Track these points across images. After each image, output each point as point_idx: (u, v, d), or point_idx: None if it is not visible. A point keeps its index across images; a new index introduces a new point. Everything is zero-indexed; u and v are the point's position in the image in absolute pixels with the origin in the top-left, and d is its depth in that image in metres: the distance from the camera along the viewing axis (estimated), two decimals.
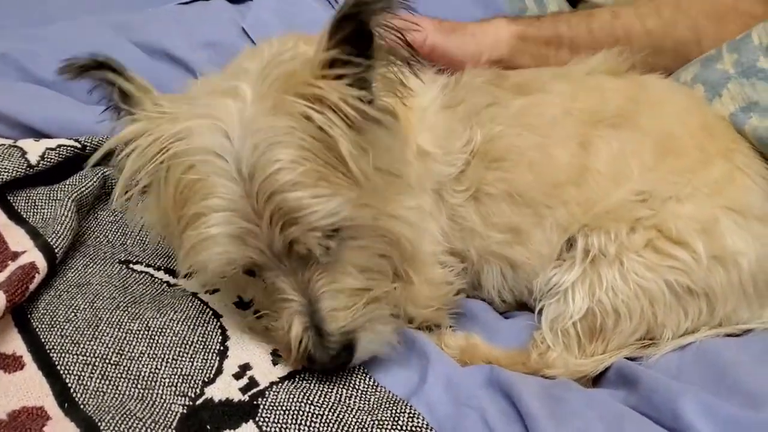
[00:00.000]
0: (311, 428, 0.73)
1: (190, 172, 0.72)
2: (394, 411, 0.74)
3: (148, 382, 0.78)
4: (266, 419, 0.74)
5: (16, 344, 0.82)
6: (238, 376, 0.79)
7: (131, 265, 0.97)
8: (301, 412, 0.74)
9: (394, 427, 0.73)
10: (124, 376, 0.79)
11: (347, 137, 0.72)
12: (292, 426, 0.73)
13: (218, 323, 0.85)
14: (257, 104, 0.73)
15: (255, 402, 0.76)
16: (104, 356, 0.81)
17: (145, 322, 0.84)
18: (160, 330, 0.84)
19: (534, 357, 0.90)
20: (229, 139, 0.71)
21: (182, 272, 0.79)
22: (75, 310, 0.86)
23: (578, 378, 0.89)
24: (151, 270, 0.97)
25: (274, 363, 0.81)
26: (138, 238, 1.03)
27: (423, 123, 0.92)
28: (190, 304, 0.88)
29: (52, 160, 1.07)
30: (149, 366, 0.80)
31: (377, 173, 0.76)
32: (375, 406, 0.76)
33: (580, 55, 1.07)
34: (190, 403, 0.76)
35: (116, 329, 0.83)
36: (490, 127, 0.93)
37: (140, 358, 0.81)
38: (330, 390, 0.77)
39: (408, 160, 0.86)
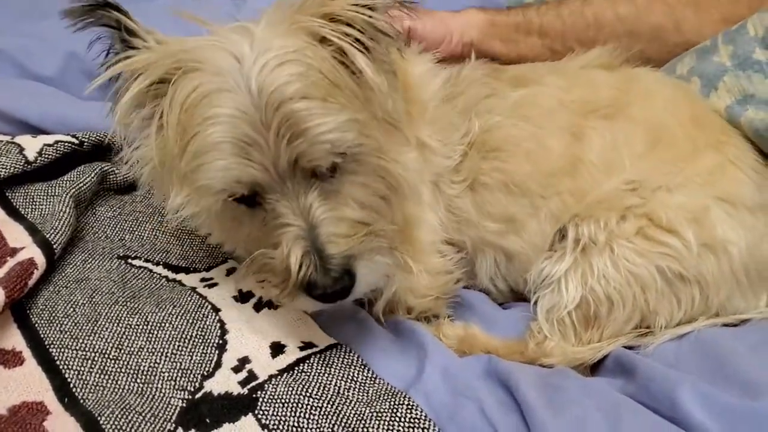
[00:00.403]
0: (310, 421, 0.74)
1: (197, 90, 0.71)
2: (392, 403, 0.75)
3: (148, 377, 0.79)
4: (265, 412, 0.74)
5: (15, 340, 0.83)
6: (237, 370, 0.79)
7: (130, 260, 0.97)
8: (300, 405, 0.75)
9: (392, 418, 0.74)
10: (123, 370, 0.79)
11: (362, 53, 0.73)
12: (291, 419, 0.74)
13: (217, 317, 0.85)
14: (269, 29, 0.74)
15: (254, 395, 0.76)
16: (103, 351, 0.81)
17: (144, 317, 0.85)
18: (159, 324, 0.84)
19: (531, 346, 0.91)
20: (238, 60, 0.71)
21: (180, 204, 0.76)
22: (74, 306, 0.86)
23: (576, 366, 0.90)
24: (149, 265, 0.97)
25: (273, 356, 0.81)
26: (137, 233, 1.03)
27: (424, 116, 0.92)
28: (189, 299, 0.88)
29: (50, 157, 1.07)
30: (148, 360, 0.80)
31: (383, 119, 0.77)
32: (373, 398, 0.76)
33: (550, 41, 1.08)
34: (190, 396, 0.77)
35: (115, 324, 0.84)
36: (487, 118, 0.93)
37: (139, 353, 0.81)
38: (329, 382, 0.78)
39: (406, 117, 0.85)
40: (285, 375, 0.79)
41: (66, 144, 1.09)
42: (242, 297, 0.90)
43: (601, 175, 0.92)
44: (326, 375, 0.79)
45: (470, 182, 0.94)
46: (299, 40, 0.72)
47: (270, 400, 0.75)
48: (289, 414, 0.74)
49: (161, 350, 0.81)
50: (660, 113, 0.94)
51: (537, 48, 1.09)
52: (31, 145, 1.08)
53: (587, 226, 0.89)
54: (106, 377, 0.79)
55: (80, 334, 0.83)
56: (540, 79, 0.96)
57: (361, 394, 0.77)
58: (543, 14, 1.11)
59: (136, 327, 0.84)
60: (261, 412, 0.74)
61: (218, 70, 0.71)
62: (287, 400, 0.75)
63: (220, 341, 0.83)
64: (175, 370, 0.79)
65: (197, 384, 0.78)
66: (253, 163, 0.71)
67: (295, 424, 0.73)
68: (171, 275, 0.95)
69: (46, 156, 1.07)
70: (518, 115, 0.94)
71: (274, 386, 0.77)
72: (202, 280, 0.94)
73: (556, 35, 1.08)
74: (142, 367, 0.80)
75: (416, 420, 0.74)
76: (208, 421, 0.73)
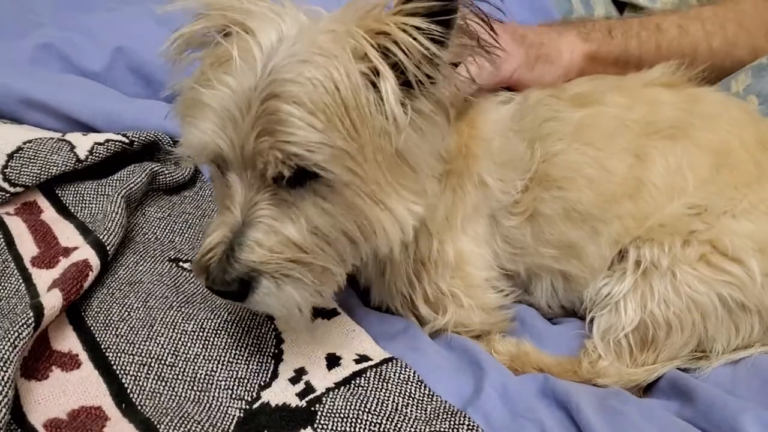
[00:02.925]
0: None
1: (225, 53, 0.72)
2: (452, 422, 0.74)
3: (205, 385, 0.79)
4: (324, 427, 0.74)
5: (71, 342, 0.83)
6: (294, 381, 0.79)
7: (181, 263, 0.97)
8: (358, 420, 0.74)
9: None
10: (180, 377, 0.79)
11: (394, 81, 0.70)
12: None
13: (272, 325, 0.85)
14: (323, 24, 0.73)
15: (312, 408, 0.76)
16: (160, 357, 0.81)
17: (200, 323, 0.85)
18: (214, 331, 0.84)
19: (585, 365, 0.90)
20: (280, 39, 0.71)
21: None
22: (129, 309, 0.86)
23: (630, 387, 0.89)
24: None
25: (329, 368, 0.81)
26: (186, 235, 1.03)
27: (486, 153, 0.90)
28: (243, 306, 0.88)
29: (101, 155, 1.07)
30: (205, 368, 0.80)
31: (395, 155, 0.73)
32: (432, 416, 0.76)
33: None
34: (247, 407, 0.77)
35: (171, 330, 0.84)
36: (549, 143, 0.92)
37: (196, 360, 0.81)
38: (386, 398, 0.77)
39: (435, 166, 0.82)
40: (342, 388, 0.78)
41: (117, 143, 1.09)
42: None
43: (663, 198, 0.90)
44: (384, 390, 0.78)
45: (530, 213, 0.92)
46: (337, 47, 0.70)
47: (329, 415, 0.75)
48: (348, 429, 0.74)
49: (217, 358, 0.81)
50: (724, 135, 0.92)
51: None
52: (82, 143, 1.08)
53: (650, 249, 0.88)
54: (163, 384, 0.79)
55: (136, 338, 0.83)
56: (602, 98, 0.95)
57: (419, 411, 0.76)
58: (643, 44, 1.09)
59: (192, 333, 0.83)
60: (320, 427, 0.74)
61: (250, 45, 0.71)
62: (346, 415, 0.75)
63: (276, 350, 0.83)
64: (232, 379, 0.79)
65: (254, 394, 0.78)
66: (225, 137, 0.71)
67: None
68: None
69: (97, 155, 1.07)
70: (580, 140, 0.92)
71: (332, 400, 0.77)
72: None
73: (651, 66, 1.06)
74: (198, 375, 0.80)
75: None
76: None
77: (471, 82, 0.75)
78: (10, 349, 0.73)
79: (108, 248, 0.92)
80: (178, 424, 0.73)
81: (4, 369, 0.71)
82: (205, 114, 0.71)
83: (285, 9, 0.76)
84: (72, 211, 1.05)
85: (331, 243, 0.75)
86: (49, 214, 1.05)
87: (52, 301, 0.80)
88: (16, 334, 0.75)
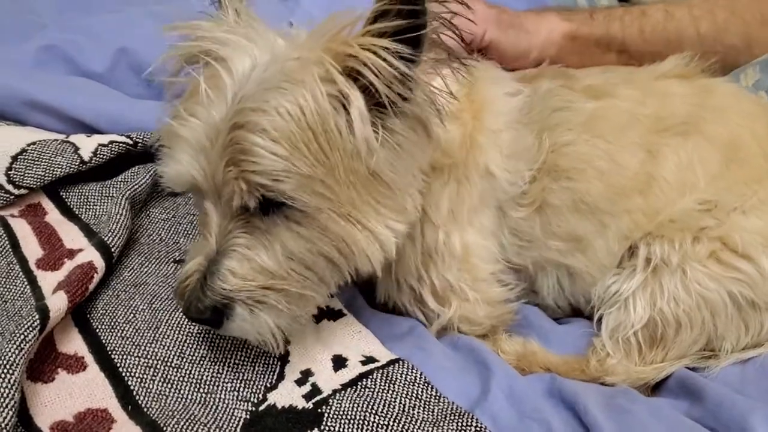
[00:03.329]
0: None
1: (200, 83, 0.72)
2: (459, 424, 0.74)
3: (210, 386, 0.79)
4: (331, 429, 0.73)
5: (77, 344, 0.83)
6: (300, 383, 0.79)
7: None
8: (365, 422, 0.74)
9: None
10: (186, 379, 0.79)
11: (362, 103, 0.69)
12: None
13: None
14: (292, 49, 0.73)
15: (319, 410, 0.75)
16: (165, 359, 0.81)
17: None
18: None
19: (593, 364, 0.90)
20: (253, 66, 0.72)
21: None
22: (134, 311, 0.86)
23: (638, 386, 0.88)
24: None
25: (335, 369, 0.81)
26: (191, 236, 1.02)
27: (494, 144, 0.89)
28: None
29: (105, 157, 1.07)
30: (211, 370, 0.80)
31: (369, 175, 0.72)
32: (440, 417, 0.75)
33: (627, 57, 1.06)
34: (253, 408, 0.76)
35: (176, 331, 0.83)
36: (559, 134, 0.91)
37: (201, 362, 0.81)
38: (393, 399, 0.77)
39: (415, 182, 0.79)
40: (349, 390, 0.78)
41: (120, 144, 1.09)
42: None
43: (674, 193, 0.90)
44: (390, 392, 0.78)
45: (538, 204, 0.91)
46: (305, 72, 0.70)
47: (336, 416, 0.75)
48: (355, 431, 0.73)
49: (223, 360, 0.81)
50: (736, 129, 0.92)
51: (611, 63, 1.07)
52: (86, 145, 1.08)
53: (660, 246, 0.88)
54: (169, 386, 0.78)
55: (142, 341, 0.82)
56: (614, 91, 0.94)
57: (426, 412, 0.76)
58: (626, 28, 1.08)
59: (198, 335, 0.83)
60: (327, 428, 0.73)
61: (220, 74, 0.72)
62: (353, 417, 0.74)
63: (282, 352, 0.82)
64: (238, 381, 0.79)
65: (260, 396, 0.78)
66: (198, 168, 0.72)
67: None
68: None
69: (101, 156, 1.07)
70: (591, 131, 0.91)
71: (339, 401, 0.76)
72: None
73: (635, 51, 1.05)
74: (204, 377, 0.79)
75: None
76: None
77: (449, 96, 0.74)
78: (16, 351, 0.73)
79: (113, 250, 0.92)
80: (185, 426, 0.73)
81: (11, 372, 0.71)
82: (179, 145, 0.73)
83: (260, 35, 0.76)
84: (76, 212, 1.05)
85: (310, 266, 0.75)
86: (53, 215, 1.05)
87: (58, 304, 0.80)
88: (22, 336, 0.75)
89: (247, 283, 0.73)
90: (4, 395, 0.69)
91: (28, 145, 1.05)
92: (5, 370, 0.71)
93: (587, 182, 0.91)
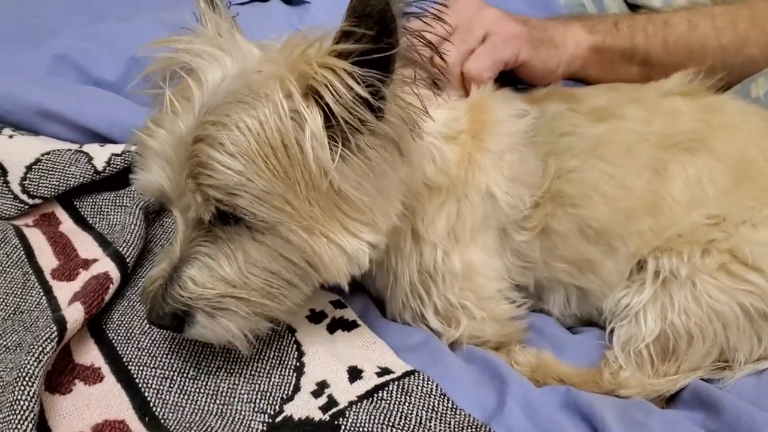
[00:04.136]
0: None
1: (172, 95, 0.75)
2: None
3: (227, 398, 0.79)
4: None
5: (93, 355, 0.83)
6: (316, 394, 0.79)
7: None
8: None
9: None
10: (202, 391, 0.79)
11: (318, 123, 0.69)
12: None
13: (293, 338, 0.85)
14: (266, 61, 0.74)
15: (336, 422, 0.75)
16: (182, 370, 0.81)
17: None
18: None
19: (606, 376, 0.90)
20: (222, 78, 0.74)
21: None
22: None
23: (653, 398, 0.88)
24: None
25: (351, 381, 0.81)
26: None
27: (496, 165, 0.89)
28: None
29: (118, 166, 1.08)
30: (227, 381, 0.80)
31: (332, 192, 0.72)
32: (456, 430, 0.75)
33: (649, 69, 1.06)
34: (270, 420, 0.77)
35: (192, 342, 0.84)
36: (565, 159, 0.91)
37: (217, 373, 0.81)
38: (410, 412, 0.77)
39: (390, 200, 0.79)
40: (365, 402, 0.78)
41: (134, 154, 1.09)
42: (315, 317, 0.90)
43: (682, 210, 0.90)
44: (407, 404, 0.78)
45: (541, 228, 0.92)
46: (269, 86, 0.70)
47: (352, 428, 0.75)
48: None
49: (239, 371, 0.81)
50: (744, 145, 0.92)
51: (633, 75, 1.07)
52: (100, 155, 1.08)
53: (668, 259, 0.88)
54: (186, 397, 0.79)
55: (158, 352, 0.83)
56: (620, 112, 0.94)
57: (443, 425, 0.76)
58: (650, 38, 1.08)
59: (213, 346, 0.83)
60: None
61: (190, 86, 0.74)
62: (370, 429, 0.74)
63: (298, 363, 0.82)
64: (254, 392, 0.79)
65: (277, 407, 0.78)
66: (165, 177, 0.74)
67: None
68: None
69: (115, 166, 1.08)
70: (597, 156, 0.91)
71: (356, 414, 0.76)
72: None
73: (657, 63, 1.05)
74: (221, 388, 0.80)
75: None
76: None
77: (424, 113, 0.75)
78: (35, 363, 0.74)
79: (128, 260, 0.92)
80: None
81: (30, 384, 0.71)
82: (148, 155, 0.75)
83: (237, 47, 0.78)
84: (90, 222, 1.05)
85: (276, 273, 0.76)
86: (67, 225, 1.05)
87: (75, 315, 0.81)
88: (40, 348, 0.75)
89: (206, 291, 0.75)
90: (24, 408, 0.70)
91: (42, 155, 1.06)
92: (25, 383, 0.71)
93: (594, 208, 0.91)
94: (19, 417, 0.69)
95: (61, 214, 1.07)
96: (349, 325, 0.89)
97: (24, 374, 0.72)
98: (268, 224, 0.72)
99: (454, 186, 0.88)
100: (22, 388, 0.71)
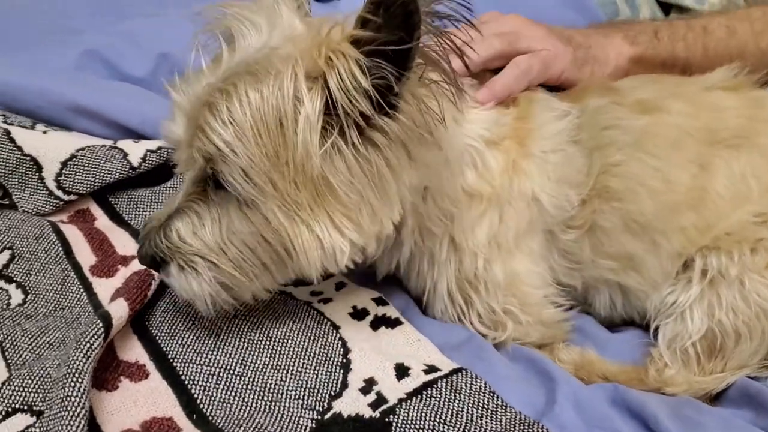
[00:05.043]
0: None
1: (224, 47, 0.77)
2: None
3: (275, 395, 0.78)
4: None
5: (137, 352, 0.82)
6: (365, 391, 0.78)
7: None
8: None
9: None
10: (249, 387, 0.79)
11: (314, 108, 0.69)
12: None
13: (338, 335, 0.84)
14: (288, 39, 0.74)
15: (387, 419, 0.75)
16: (228, 367, 0.80)
17: (266, 332, 0.84)
18: (281, 340, 0.83)
19: (652, 374, 0.89)
20: (253, 47, 0.75)
21: None
22: (193, 318, 0.85)
23: (699, 396, 0.88)
24: None
25: (398, 378, 0.80)
26: None
27: (541, 169, 0.88)
28: (307, 314, 0.87)
29: (153, 162, 1.07)
30: (274, 378, 0.79)
31: (318, 180, 0.71)
32: (508, 427, 0.74)
33: (690, 75, 1.05)
34: (319, 417, 0.76)
35: (237, 339, 0.83)
36: (609, 154, 0.90)
37: (264, 370, 0.80)
38: (460, 409, 0.76)
39: (388, 205, 0.77)
40: (414, 399, 0.77)
41: (169, 150, 1.08)
42: (357, 314, 0.89)
43: (727, 206, 0.89)
44: (457, 401, 0.77)
45: (588, 226, 0.91)
46: (283, 64, 0.71)
47: (404, 426, 0.74)
48: None
49: (286, 367, 0.81)
50: None
51: None
52: (135, 151, 1.08)
53: (716, 258, 0.87)
54: (233, 394, 0.78)
55: (203, 348, 0.82)
56: (664, 106, 0.93)
57: (494, 422, 0.75)
58: (690, 47, 1.08)
59: (259, 342, 0.83)
60: None
61: (225, 50, 0.76)
62: (422, 427, 0.74)
63: (344, 360, 0.82)
64: (302, 389, 0.79)
65: (325, 404, 0.77)
66: (180, 130, 0.76)
67: None
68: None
69: (150, 162, 1.07)
70: (642, 149, 0.90)
71: (406, 411, 0.76)
72: (313, 293, 0.93)
73: (697, 70, 1.04)
74: (268, 385, 0.79)
75: None
76: None
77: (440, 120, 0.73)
78: (84, 360, 0.73)
79: None
80: None
81: (80, 380, 0.71)
82: (174, 106, 0.77)
83: (279, 20, 0.78)
84: (125, 218, 1.05)
85: (252, 249, 0.77)
86: (102, 221, 1.05)
87: (119, 311, 0.80)
88: (88, 345, 0.74)
89: (183, 246, 0.77)
90: (76, 404, 0.69)
91: (77, 151, 1.05)
92: (75, 379, 0.71)
93: (639, 202, 0.90)
94: (71, 413, 0.68)
95: (96, 210, 1.06)
96: (392, 323, 0.88)
97: (73, 370, 0.71)
98: (256, 202, 0.73)
99: (498, 195, 0.87)
100: (73, 384, 0.70)
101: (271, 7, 0.79)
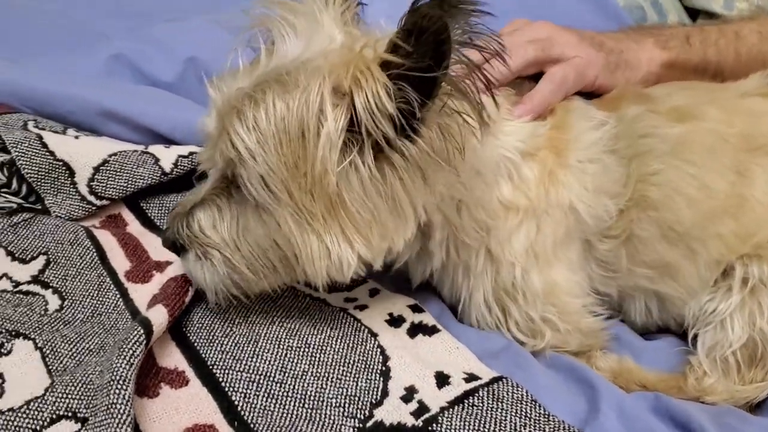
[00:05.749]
0: None
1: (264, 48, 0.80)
2: None
3: (315, 402, 0.78)
4: None
5: (176, 359, 0.82)
6: (406, 400, 0.78)
7: None
8: None
9: None
10: (290, 394, 0.78)
11: (336, 126, 0.70)
12: None
13: (376, 342, 0.84)
14: (321, 53, 0.75)
15: (429, 428, 0.74)
16: (268, 374, 0.80)
17: (304, 339, 0.84)
18: (320, 347, 0.83)
19: (691, 382, 0.89)
20: (297, 41, 0.77)
21: None
22: (231, 324, 0.85)
23: (740, 405, 0.87)
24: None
25: (439, 387, 0.80)
26: None
27: (579, 180, 0.88)
28: (344, 321, 0.87)
29: (185, 168, 1.07)
30: (314, 385, 0.79)
31: (334, 196, 0.72)
32: None
33: (722, 80, 1.05)
34: (360, 425, 0.75)
35: (276, 345, 0.83)
36: (646, 163, 0.90)
37: (304, 377, 0.80)
38: (503, 418, 0.76)
39: (401, 225, 0.78)
40: (457, 407, 0.77)
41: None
42: (394, 321, 0.89)
43: (766, 213, 0.89)
44: (499, 410, 0.77)
45: (626, 236, 0.90)
46: (313, 78, 0.71)
47: None
48: None
49: (326, 375, 0.80)
50: None
51: None
52: (166, 156, 1.08)
53: (758, 266, 0.87)
54: (274, 401, 0.78)
55: (242, 355, 0.82)
56: (699, 113, 0.93)
57: (537, 431, 0.75)
58: (722, 52, 1.08)
59: (298, 349, 0.83)
60: None
61: (263, 53, 0.78)
62: None
63: (384, 368, 0.81)
64: (343, 397, 0.78)
65: (366, 412, 0.77)
66: (212, 126, 0.78)
67: None
68: (314, 293, 0.94)
69: (182, 167, 1.07)
70: (679, 157, 0.90)
71: (449, 419, 0.75)
72: (347, 300, 0.93)
73: (729, 76, 1.05)
74: (308, 392, 0.78)
75: None
76: None
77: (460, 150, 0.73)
78: (127, 367, 0.73)
79: None
80: None
81: (125, 387, 0.71)
82: (210, 101, 0.79)
83: (319, 29, 0.79)
84: (158, 224, 1.05)
85: (264, 250, 0.79)
86: (134, 227, 1.05)
87: (159, 318, 0.80)
88: (131, 351, 0.74)
89: (202, 237, 0.80)
90: (121, 411, 0.69)
91: (110, 156, 1.05)
92: (119, 386, 0.71)
93: (677, 211, 0.89)
94: (117, 420, 0.68)
95: (128, 215, 1.06)
96: (429, 330, 0.88)
97: (117, 377, 0.71)
98: (267, 207, 0.75)
99: (534, 207, 0.87)
100: (117, 391, 0.70)
101: (313, 13, 0.80)
